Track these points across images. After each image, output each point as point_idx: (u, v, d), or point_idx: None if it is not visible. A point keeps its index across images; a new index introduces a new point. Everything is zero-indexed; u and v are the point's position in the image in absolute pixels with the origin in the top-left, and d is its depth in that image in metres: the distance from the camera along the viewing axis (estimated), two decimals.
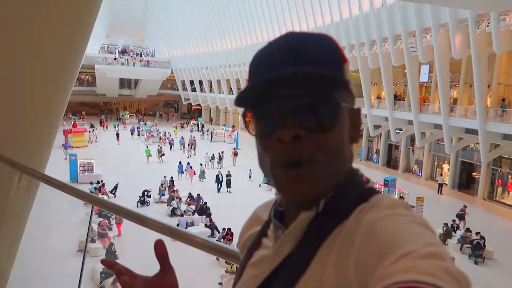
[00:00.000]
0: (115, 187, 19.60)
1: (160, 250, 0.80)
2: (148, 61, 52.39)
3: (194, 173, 23.69)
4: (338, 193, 0.66)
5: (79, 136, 32.83)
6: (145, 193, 19.06)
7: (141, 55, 53.64)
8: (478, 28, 17.06)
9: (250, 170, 23.87)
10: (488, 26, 16.57)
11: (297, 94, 0.61)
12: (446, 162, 24.01)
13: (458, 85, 23.12)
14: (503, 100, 20.04)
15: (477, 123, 18.62)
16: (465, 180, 23.26)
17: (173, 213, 17.45)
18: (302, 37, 0.65)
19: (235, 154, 29.14)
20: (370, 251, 0.54)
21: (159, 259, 0.80)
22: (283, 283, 0.65)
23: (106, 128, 44.16)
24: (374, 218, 0.58)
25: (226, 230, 14.42)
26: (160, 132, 38.22)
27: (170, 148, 32.93)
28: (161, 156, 28.60)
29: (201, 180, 23.52)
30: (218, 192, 21.25)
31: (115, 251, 12.44)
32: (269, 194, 20.55)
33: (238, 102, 0.63)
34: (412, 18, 20.19)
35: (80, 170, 22.42)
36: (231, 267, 12.05)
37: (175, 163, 24.84)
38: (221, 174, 21.49)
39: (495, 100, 20.43)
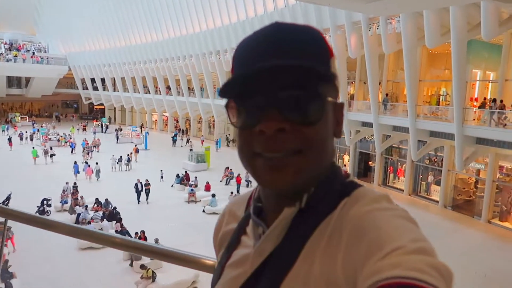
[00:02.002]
0: (8, 198, 17.49)
1: None
2: (41, 57, 47.60)
3: (92, 172, 23.07)
4: (320, 188, 0.65)
5: None
6: (45, 202, 17.37)
7: (34, 53, 48.33)
8: (369, 30, 18.78)
9: (161, 170, 23.26)
10: (378, 28, 18.34)
11: (283, 87, 0.59)
12: (346, 153, 26.04)
13: (354, 82, 25.23)
14: (387, 95, 22.40)
15: (371, 117, 20.53)
16: (363, 169, 25.49)
17: (78, 221, 16.19)
18: (289, 28, 0.63)
19: (137, 151, 28.98)
20: (358, 247, 0.54)
21: None
22: (267, 283, 0.63)
23: None
24: (360, 213, 0.58)
25: (139, 234, 13.83)
26: (58, 135, 35.40)
27: (72, 152, 30.52)
28: (51, 157, 27.29)
29: (97, 179, 23.03)
30: (138, 203, 19.07)
31: (10, 269, 11.13)
32: (182, 194, 20.25)
33: (223, 93, 0.61)
34: (313, 19, 21.46)
35: None
36: (146, 273, 11.61)
37: (71, 164, 23.95)
38: (140, 183, 19.27)
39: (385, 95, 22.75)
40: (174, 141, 35.40)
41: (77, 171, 23.05)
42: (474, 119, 17.31)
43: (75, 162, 23.71)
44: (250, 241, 0.70)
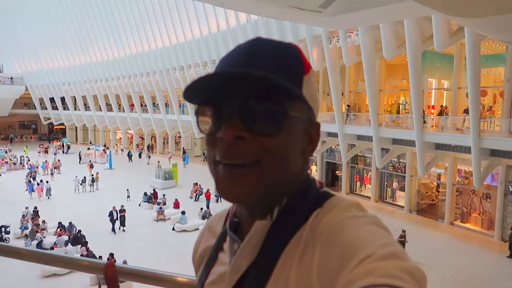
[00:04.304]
0: None
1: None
2: None
3: (42, 190, 23.12)
4: (292, 200, 0.65)
5: None
6: (2, 228, 16.45)
7: None
8: (330, 43, 19.34)
9: (128, 190, 22.65)
10: (338, 41, 18.92)
11: (247, 96, 0.60)
12: (314, 163, 26.41)
13: (318, 94, 25.71)
14: (348, 106, 23.02)
15: (336, 127, 21.00)
16: (331, 179, 25.90)
17: (39, 247, 15.37)
18: (267, 43, 0.65)
19: (91, 166, 29.03)
20: (331, 257, 0.54)
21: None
22: None
23: None
24: (331, 223, 0.59)
25: (108, 257, 13.27)
26: (15, 157, 33.87)
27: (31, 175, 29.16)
28: None
29: (48, 197, 22.99)
30: (112, 232, 17.53)
31: None
32: (151, 213, 19.75)
33: (187, 96, 0.61)
34: (275, 34, 21.86)
35: None
36: None
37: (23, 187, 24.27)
38: (116, 211, 17.77)
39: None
40: (129, 156, 36.36)
41: (31, 190, 23.17)
42: (432, 126, 18.08)
43: (29, 181, 23.90)
44: (227, 258, 0.70)
